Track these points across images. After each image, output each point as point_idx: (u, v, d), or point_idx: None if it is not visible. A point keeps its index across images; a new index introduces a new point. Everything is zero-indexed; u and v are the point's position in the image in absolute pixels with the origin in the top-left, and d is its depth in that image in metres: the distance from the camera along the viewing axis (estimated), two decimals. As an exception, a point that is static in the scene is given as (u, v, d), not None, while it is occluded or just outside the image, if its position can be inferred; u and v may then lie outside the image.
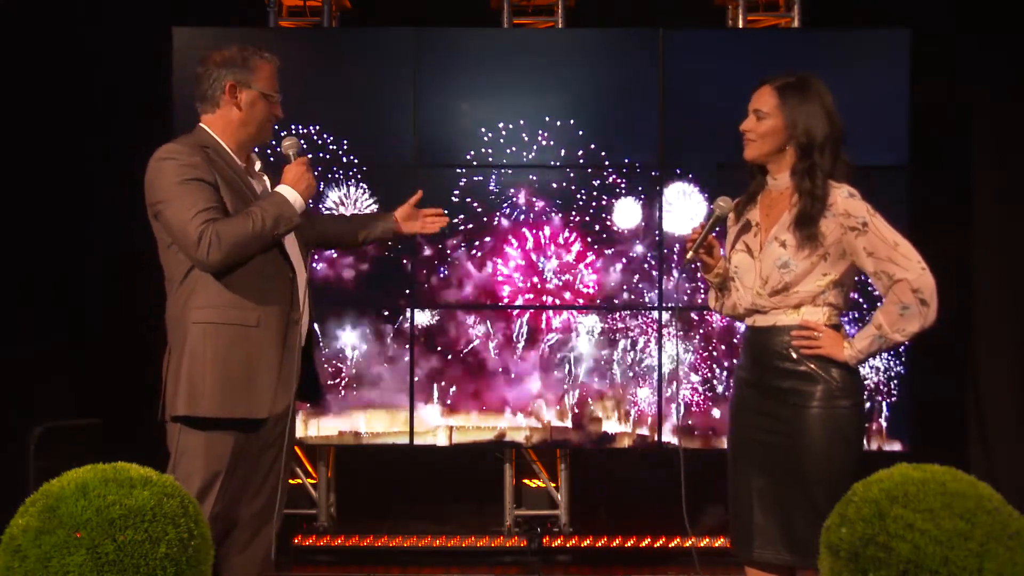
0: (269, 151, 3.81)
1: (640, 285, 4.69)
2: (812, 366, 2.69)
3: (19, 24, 4.64)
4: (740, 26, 4.96)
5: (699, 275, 2.94)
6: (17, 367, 4.57)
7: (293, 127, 4.58)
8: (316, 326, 4.48)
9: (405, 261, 4.70)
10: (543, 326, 4.72)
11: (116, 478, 1.74)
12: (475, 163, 4.70)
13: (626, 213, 4.70)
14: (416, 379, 4.69)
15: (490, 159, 4.70)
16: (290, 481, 5.04)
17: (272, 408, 2.76)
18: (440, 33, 4.74)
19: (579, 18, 5.03)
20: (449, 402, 4.70)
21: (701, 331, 4.70)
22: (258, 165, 2.95)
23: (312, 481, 5.02)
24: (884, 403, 4.62)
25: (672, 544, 4.76)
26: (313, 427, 4.72)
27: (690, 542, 4.62)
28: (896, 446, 4.61)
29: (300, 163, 2.84)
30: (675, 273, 4.57)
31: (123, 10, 4.83)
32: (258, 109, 2.84)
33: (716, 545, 4.72)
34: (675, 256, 4.68)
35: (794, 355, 2.70)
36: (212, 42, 4.69)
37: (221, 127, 2.83)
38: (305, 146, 4.59)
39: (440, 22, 4.86)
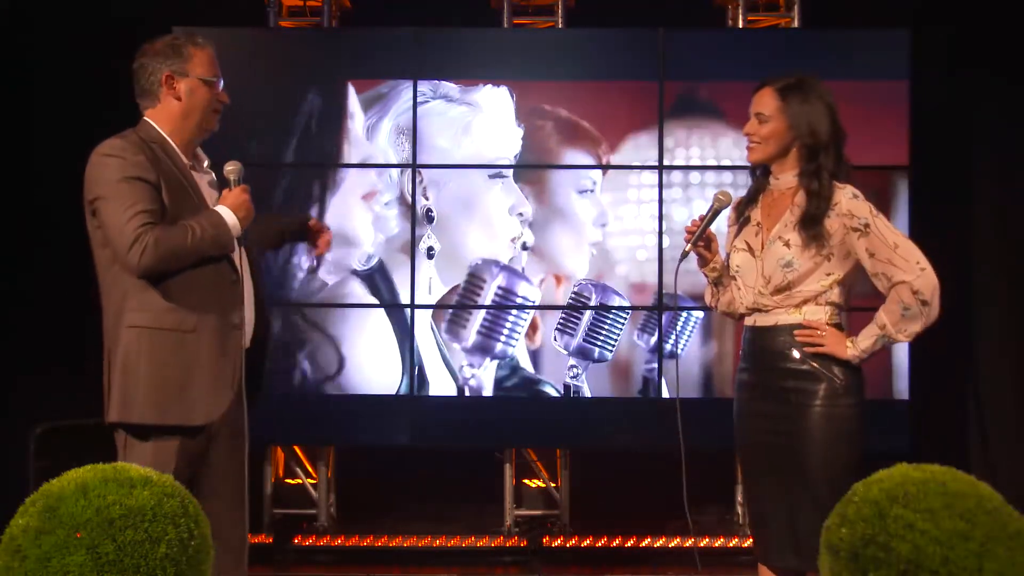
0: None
1: (641, 283, 4.69)
2: (814, 364, 2.68)
3: (18, 23, 4.63)
4: (740, 26, 4.96)
5: (697, 268, 2.93)
6: (17, 367, 4.56)
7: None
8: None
9: (405, 259, 4.70)
10: (543, 325, 4.72)
11: (116, 478, 1.74)
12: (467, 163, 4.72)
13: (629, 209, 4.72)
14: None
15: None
16: (290, 481, 5.05)
17: (208, 415, 2.67)
18: (440, 33, 4.74)
19: (579, 18, 5.03)
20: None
21: (701, 330, 4.70)
22: (206, 162, 2.87)
23: (312, 481, 5.01)
24: (884, 403, 4.62)
25: (672, 544, 4.75)
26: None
27: (690, 542, 4.61)
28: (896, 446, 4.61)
29: (242, 190, 2.76)
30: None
31: (122, 10, 4.82)
32: (199, 96, 2.77)
33: (716, 545, 4.72)
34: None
35: (796, 354, 2.70)
36: (212, 42, 4.71)
37: (165, 120, 2.77)
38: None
39: (440, 22, 4.86)
